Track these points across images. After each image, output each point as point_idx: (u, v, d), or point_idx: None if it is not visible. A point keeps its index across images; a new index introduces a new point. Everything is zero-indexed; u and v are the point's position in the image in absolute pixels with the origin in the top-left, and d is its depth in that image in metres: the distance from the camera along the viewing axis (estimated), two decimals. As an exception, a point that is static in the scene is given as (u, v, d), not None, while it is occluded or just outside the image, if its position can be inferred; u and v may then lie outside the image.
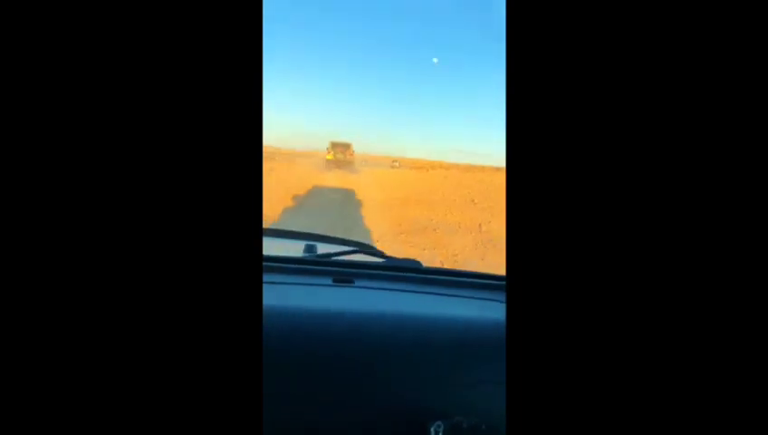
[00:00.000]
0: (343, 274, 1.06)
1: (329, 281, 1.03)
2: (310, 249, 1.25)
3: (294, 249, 1.25)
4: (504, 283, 1.06)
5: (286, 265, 1.07)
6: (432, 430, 0.71)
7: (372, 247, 1.37)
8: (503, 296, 1.00)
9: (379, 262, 1.21)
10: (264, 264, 1.00)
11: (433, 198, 9.79)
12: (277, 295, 0.88)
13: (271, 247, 1.02)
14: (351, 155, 18.66)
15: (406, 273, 1.13)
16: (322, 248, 1.26)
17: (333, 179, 11.99)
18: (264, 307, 0.54)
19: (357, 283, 1.03)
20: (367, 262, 1.20)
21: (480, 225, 6.90)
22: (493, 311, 0.95)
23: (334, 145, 18.13)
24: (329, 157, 17.42)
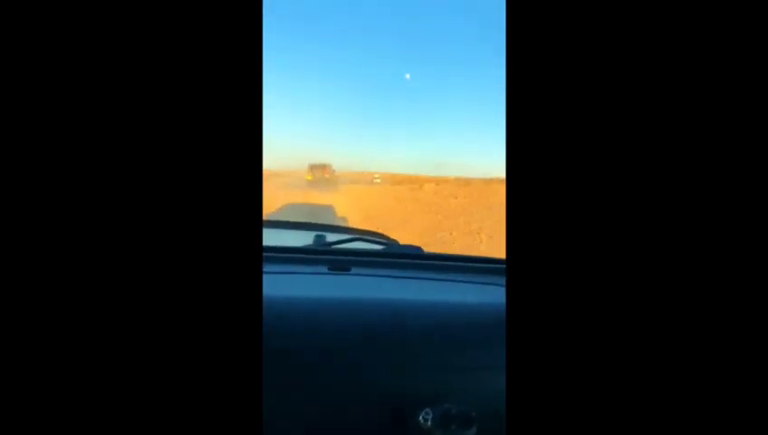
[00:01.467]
0: (340, 262, 1.04)
1: (325, 269, 1.00)
2: (320, 239, 1.25)
3: (300, 240, 1.27)
4: (504, 266, 1.06)
5: (281, 255, 1.06)
6: (421, 417, 0.68)
7: (375, 234, 1.29)
8: (502, 280, 0.97)
9: (378, 249, 1.20)
10: (264, 254, 1.02)
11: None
12: (270, 285, 0.79)
13: (273, 239, 1.06)
14: (331, 175, 20.02)
15: (405, 259, 1.12)
16: (330, 238, 1.27)
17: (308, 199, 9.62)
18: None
19: (353, 270, 1.01)
20: (366, 250, 1.19)
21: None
22: (490, 295, 0.92)
23: (313, 167, 19.83)
24: (308, 177, 18.82)
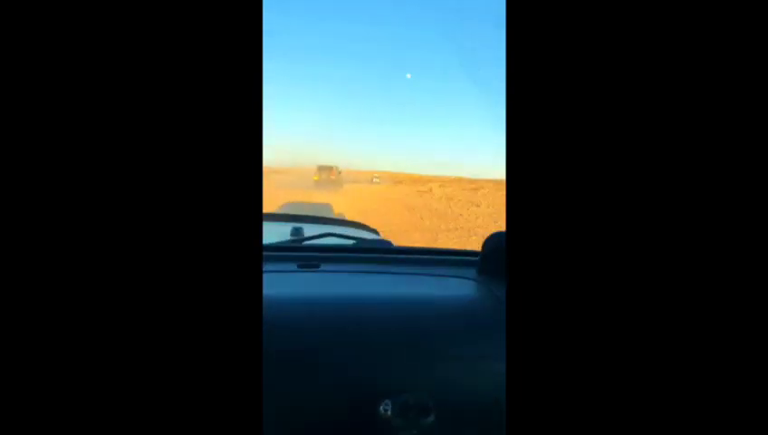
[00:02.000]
0: (309, 258, 1.04)
1: (293, 267, 0.99)
2: (297, 232, 1.27)
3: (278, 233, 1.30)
4: (474, 259, 1.05)
5: None
6: (381, 409, 0.70)
7: (356, 224, 1.26)
8: (472, 273, 0.98)
9: (348, 245, 1.19)
10: None
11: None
12: None
13: None
14: (337, 176, 20.63)
15: (375, 254, 1.12)
16: (308, 230, 1.30)
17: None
18: None
19: (323, 267, 1.00)
20: (336, 245, 1.20)
21: None
22: (459, 288, 0.92)
23: (320, 168, 20.48)
24: (315, 178, 19.30)
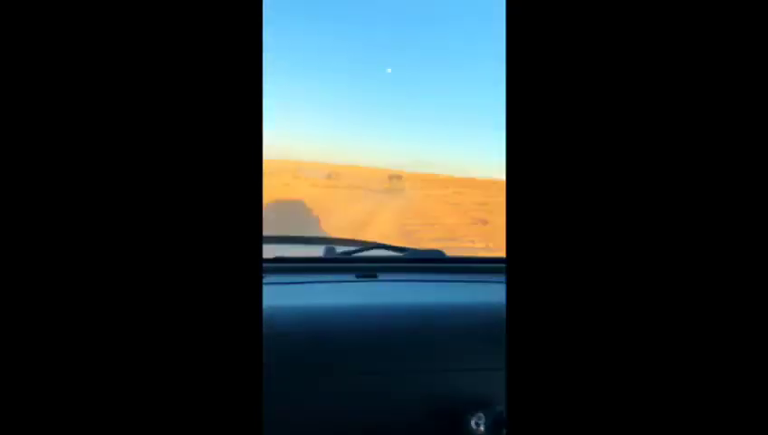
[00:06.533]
0: (366, 269, 1.05)
1: (352, 277, 1.01)
2: (329, 251, 1.26)
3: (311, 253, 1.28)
4: None
5: (308, 265, 1.08)
6: (473, 422, 0.67)
7: (390, 245, 1.31)
8: None
9: (400, 256, 1.21)
10: (286, 265, 1.06)
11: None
12: (302, 295, 0.89)
13: (287, 252, 1.08)
14: (403, 184, 20.85)
15: (428, 263, 1.13)
16: (341, 250, 1.27)
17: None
18: (289, 308, 0.76)
19: (380, 276, 1.02)
20: (388, 256, 1.21)
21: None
22: None
23: (391, 176, 20.72)
24: (386, 186, 19.80)
